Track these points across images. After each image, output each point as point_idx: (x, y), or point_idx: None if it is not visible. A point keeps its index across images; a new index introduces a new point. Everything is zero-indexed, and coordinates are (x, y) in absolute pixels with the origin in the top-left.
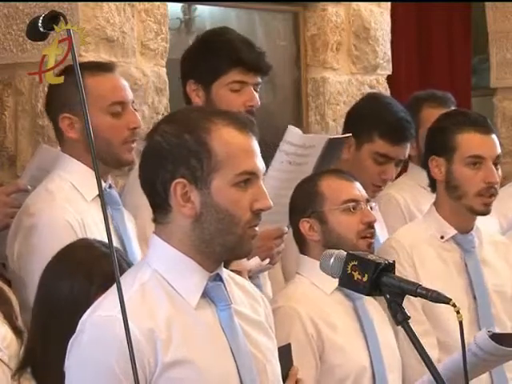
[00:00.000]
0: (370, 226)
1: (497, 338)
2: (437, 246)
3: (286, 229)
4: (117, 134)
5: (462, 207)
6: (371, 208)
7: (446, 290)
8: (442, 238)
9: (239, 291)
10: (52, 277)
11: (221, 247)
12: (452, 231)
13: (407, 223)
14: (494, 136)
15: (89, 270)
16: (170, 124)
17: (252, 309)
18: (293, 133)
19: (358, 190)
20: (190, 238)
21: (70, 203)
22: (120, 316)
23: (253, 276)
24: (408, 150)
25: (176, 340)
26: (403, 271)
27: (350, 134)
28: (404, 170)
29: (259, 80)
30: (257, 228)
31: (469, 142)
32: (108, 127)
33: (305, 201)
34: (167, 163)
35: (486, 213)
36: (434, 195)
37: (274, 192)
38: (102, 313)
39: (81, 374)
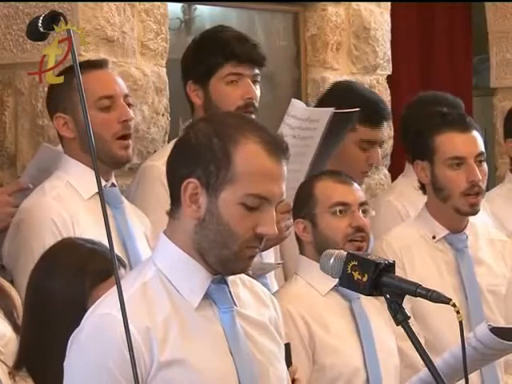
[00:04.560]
0: (359, 229)
1: (496, 331)
2: (429, 247)
3: None
4: (107, 128)
5: (449, 208)
6: (364, 211)
7: (438, 290)
8: (433, 237)
9: (248, 294)
10: (42, 278)
11: (215, 259)
12: (443, 231)
13: None
14: (474, 133)
15: (81, 268)
16: (206, 123)
17: (259, 312)
18: (296, 106)
19: (353, 193)
20: (193, 240)
21: (60, 201)
22: (118, 314)
23: (258, 276)
24: (386, 129)
25: (173, 340)
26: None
27: (358, 109)
28: (401, 170)
29: (256, 71)
30: (257, 250)
31: (447, 143)
32: (97, 122)
33: (301, 201)
34: (188, 160)
35: (472, 213)
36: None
37: None
38: (100, 311)
39: (79, 373)
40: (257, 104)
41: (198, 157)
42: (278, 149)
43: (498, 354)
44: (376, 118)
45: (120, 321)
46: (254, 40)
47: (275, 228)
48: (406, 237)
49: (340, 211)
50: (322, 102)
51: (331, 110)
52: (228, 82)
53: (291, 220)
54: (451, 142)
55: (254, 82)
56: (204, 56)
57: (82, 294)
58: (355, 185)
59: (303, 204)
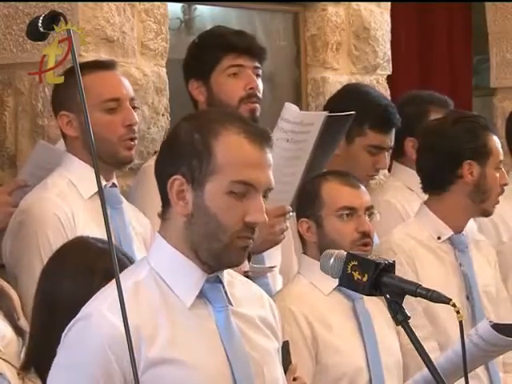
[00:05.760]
0: (365, 235)
1: (497, 328)
2: (433, 247)
3: (290, 208)
4: (112, 130)
5: (477, 210)
6: (370, 215)
7: (444, 290)
8: (438, 238)
9: (245, 293)
10: (52, 278)
11: (208, 253)
12: (449, 232)
13: None
14: None
15: (89, 267)
16: (189, 121)
17: (255, 312)
18: (290, 110)
19: (360, 197)
20: (184, 238)
21: (62, 198)
22: (106, 312)
23: (255, 276)
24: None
25: (163, 338)
26: (405, 276)
27: (353, 112)
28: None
29: (256, 64)
30: (250, 240)
31: (497, 146)
32: (102, 124)
33: (306, 201)
34: (172, 158)
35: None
36: (419, 195)
37: (274, 171)
38: (89, 308)
39: (62, 366)
40: (260, 95)
41: (181, 154)
42: (260, 137)
43: (499, 351)
44: (386, 124)
45: (109, 321)
46: (252, 34)
47: (264, 215)
48: (413, 237)
49: (346, 215)
50: (331, 105)
51: (325, 113)
52: (229, 75)
53: (287, 224)
54: (499, 146)
55: (256, 75)
56: (203, 53)
57: (91, 294)
58: (362, 188)
59: (308, 204)
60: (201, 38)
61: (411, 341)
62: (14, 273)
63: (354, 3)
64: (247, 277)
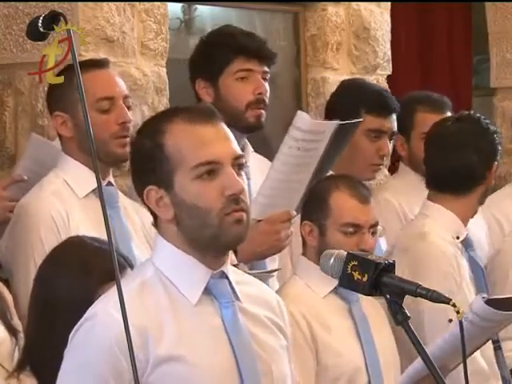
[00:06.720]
0: (365, 252)
1: (491, 303)
2: (455, 248)
3: (295, 213)
4: (105, 129)
5: (473, 214)
6: (373, 234)
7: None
8: (457, 238)
9: (253, 292)
10: (48, 277)
11: (206, 241)
12: (465, 231)
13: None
14: None
15: (85, 267)
16: (137, 134)
17: (263, 310)
18: (302, 118)
19: (367, 214)
20: (182, 239)
21: (57, 197)
22: (114, 312)
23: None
24: (395, 122)
25: (170, 336)
26: (456, 276)
27: (362, 120)
28: (395, 169)
29: (265, 69)
30: (240, 212)
31: None
32: (96, 123)
33: (314, 205)
34: (139, 172)
35: None
36: (422, 197)
37: (283, 177)
38: (96, 309)
39: (70, 367)
40: (267, 100)
41: (143, 166)
42: (205, 115)
43: (496, 327)
44: (381, 107)
45: (115, 319)
46: (261, 37)
47: (240, 183)
48: (443, 238)
49: (350, 231)
50: (332, 102)
51: (336, 122)
52: (238, 79)
53: (292, 229)
54: None
55: (264, 79)
56: (213, 52)
57: (87, 293)
58: (371, 202)
59: (315, 208)
60: (210, 37)
61: (411, 341)
62: (11, 269)
63: (353, 3)
64: None
